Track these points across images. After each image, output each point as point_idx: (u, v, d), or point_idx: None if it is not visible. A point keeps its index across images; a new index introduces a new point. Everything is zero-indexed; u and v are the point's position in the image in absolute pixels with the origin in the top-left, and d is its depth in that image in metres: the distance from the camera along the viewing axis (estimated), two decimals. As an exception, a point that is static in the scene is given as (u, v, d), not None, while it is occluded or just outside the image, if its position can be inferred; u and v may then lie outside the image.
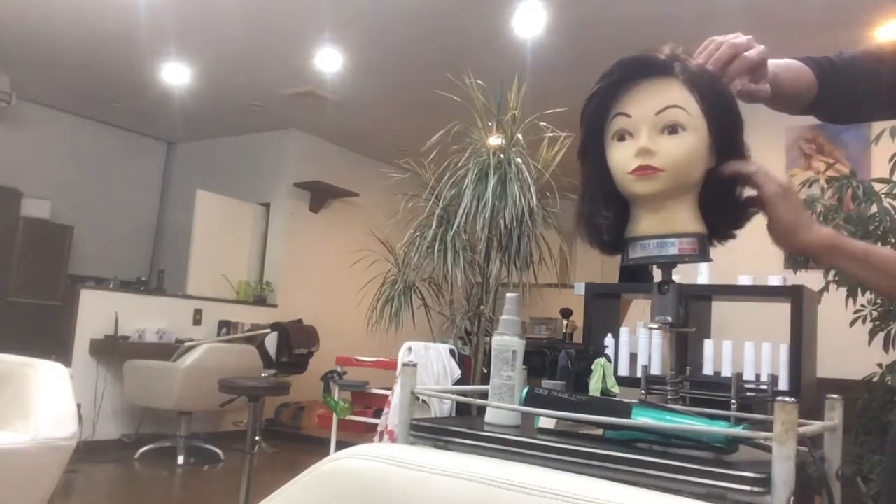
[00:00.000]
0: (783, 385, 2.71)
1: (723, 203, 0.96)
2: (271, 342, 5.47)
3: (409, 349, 3.11)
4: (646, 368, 2.94)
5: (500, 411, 1.03)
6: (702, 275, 3.28)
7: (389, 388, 3.48)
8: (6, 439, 1.66)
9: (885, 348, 2.59)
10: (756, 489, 0.75)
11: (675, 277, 1.01)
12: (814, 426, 0.94)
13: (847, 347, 2.89)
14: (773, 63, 0.99)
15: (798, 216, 0.92)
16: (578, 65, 4.37)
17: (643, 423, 0.87)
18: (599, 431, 0.93)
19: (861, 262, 0.91)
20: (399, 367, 1.62)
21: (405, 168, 3.74)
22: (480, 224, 3.35)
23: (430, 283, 3.66)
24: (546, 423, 0.98)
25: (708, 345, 2.99)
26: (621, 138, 0.95)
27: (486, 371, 3.37)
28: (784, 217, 0.92)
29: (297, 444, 5.84)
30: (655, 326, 1.00)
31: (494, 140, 3.51)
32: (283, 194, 6.66)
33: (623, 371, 3.12)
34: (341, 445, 1.50)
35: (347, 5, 4.14)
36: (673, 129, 0.92)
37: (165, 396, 4.76)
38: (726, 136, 0.93)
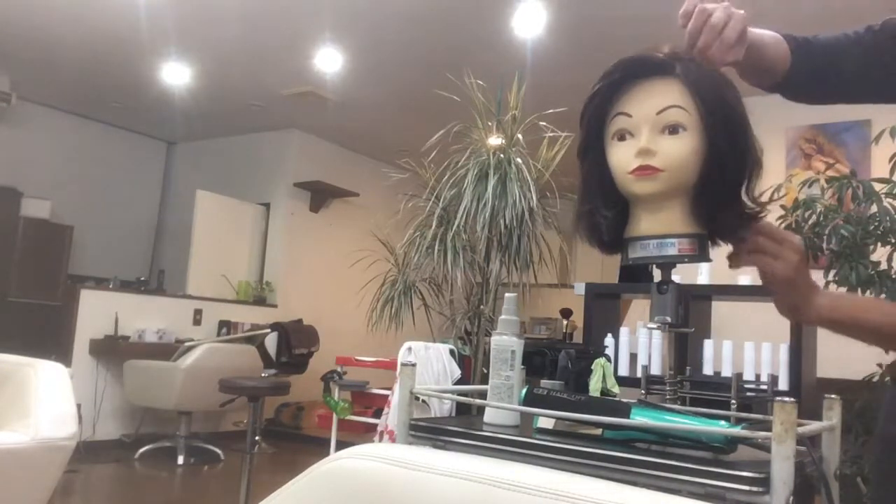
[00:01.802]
0: (783, 385, 2.71)
1: (725, 205, 0.95)
2: (271, 342, 5.46)
3: (409, 349, 3.10)
4: (646, 368, 2.94)
5: (500, 411, 1.03)
6: (702, 275, 3.28)
7: (389, 388, 3.48)
8: (6, 439, 1.66)
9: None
10: (755, 489, 0.75)
11: (675, 277, 1.01)
12: (812, 426, 0.94)
13: (847, 347, 2.89)
14: (752, 31, 0.97)
15: (801, 296, 0.91)
16: (578, 65, 4.37)
17: (641, 422, 0.87)
18: (598, 431, 0.93)
19: (857, 331, 0.91)
20: (399, 367, 1.62)
21: (405, 168, 3.74)
22: (480, 224, 3.35)
23: (430, 283, 3.66)
24: (545, 422, 0.98)
25: (708, 345, 2.99)
26: (622, 138, 0.95)
27: (486, 371, 3.37)
28: (787, 301, 0.92)
29: (297, 444, 5.84)
30: (654, 326, 1.00)
31: (494, 140, 3.51)
32: (283, 194, 6.66)
33: (623, 371, 3.12)
34: (341, 445, 1.50)
35: (347, 5, 4.14)
36: (674, 129, 0.91)
37: (165, 396, 4.76)
38: (729, 137, 0.92)
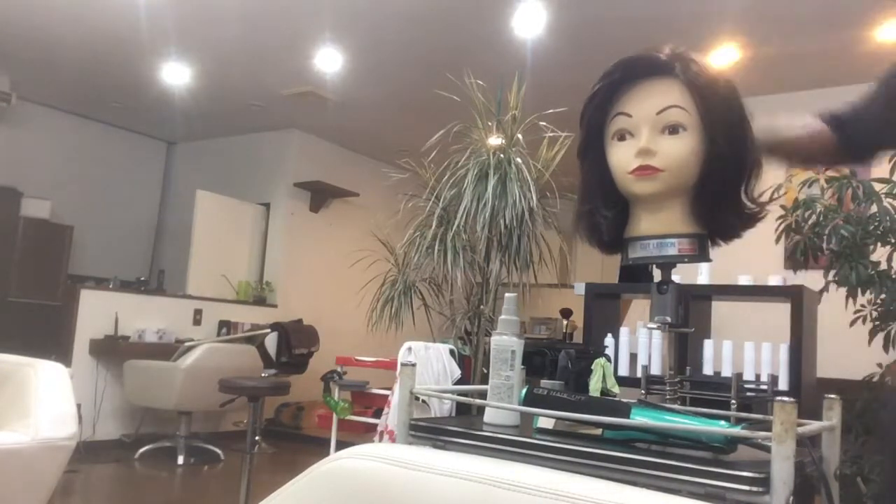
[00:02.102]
0: (783, 385, 2.71)
1: (725, 205, 0.95)
2: (271, 342, 5.46)
3: (409, 349, 3.10)
4: (646, 368, 2.94)
5: (500, 411, 1.03)
6: (702, 275, 3.28)
7: (389, 388, 3.48)
8: (6, 439, 1.66)
9: (885, 348, 2.59)
10: (755, 489, 0.75)
11: (675, 277, 1.01)
12: (812, 426, 0.94)
13: (847, 347, 2.89)
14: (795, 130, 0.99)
15: None
16: (578, 65, 4.37)
17: (641, 422, 0.87)
18: (598, 431, 0.93)
19: None
20: (399, 367, 1.62)
21: (405, 168, 3.74)
22: (480, 224, 3.35)
23: (430, 283, 3.66)
24: (545, 422, 0.98)
25: (708, 345, 2.99)
26: (622, 138, 0.95)
27: (486, 371, 3.36)
28: None
29: (297, 444, 5.84)
30: (654, 326, 1.00)
31: (494, 140, 3.51)
32: (283, 194, 6.66)
33: (623, 371, 3.12)
34: (341, 445, 1.49)
35: (347, 5, 4.14)
36: (673, 129, 0.91)
37: (165, 396, 4.76)
38: (729, 137, 0.92)
